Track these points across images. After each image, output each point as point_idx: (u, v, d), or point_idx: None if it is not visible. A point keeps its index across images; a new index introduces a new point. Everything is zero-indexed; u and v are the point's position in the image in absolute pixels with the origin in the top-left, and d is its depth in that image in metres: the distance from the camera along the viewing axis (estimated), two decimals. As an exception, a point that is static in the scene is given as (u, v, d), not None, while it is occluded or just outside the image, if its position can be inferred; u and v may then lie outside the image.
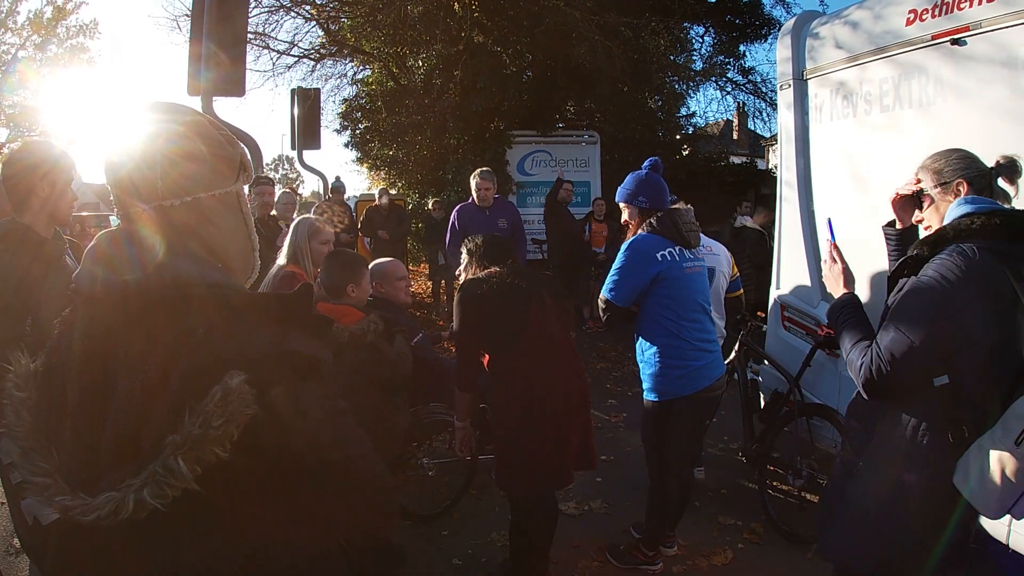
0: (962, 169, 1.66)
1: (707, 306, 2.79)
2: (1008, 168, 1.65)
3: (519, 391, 2.42)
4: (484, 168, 5.24)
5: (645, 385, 2.77)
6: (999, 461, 1.46)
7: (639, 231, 2.74)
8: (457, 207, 5.19)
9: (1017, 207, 1.66)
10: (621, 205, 2.85)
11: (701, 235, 3.83)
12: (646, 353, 2.74)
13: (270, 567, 0.89)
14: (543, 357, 2.44)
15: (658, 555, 2.95)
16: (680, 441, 2.76)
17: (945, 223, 1.63)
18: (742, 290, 3.98)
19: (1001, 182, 1.67)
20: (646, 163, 2.87)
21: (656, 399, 2.71)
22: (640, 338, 2.78)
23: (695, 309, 2.72)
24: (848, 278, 1.86)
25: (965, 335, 1.53)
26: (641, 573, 2.92)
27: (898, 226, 1.91)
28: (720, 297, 3.61)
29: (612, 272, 2.71)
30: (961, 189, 1.65)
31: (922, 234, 1.74)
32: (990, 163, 1.71)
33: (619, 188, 2.86)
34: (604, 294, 2.71)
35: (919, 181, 1.75)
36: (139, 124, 0.92)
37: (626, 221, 2.85)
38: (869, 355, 1.61)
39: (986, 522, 2.48)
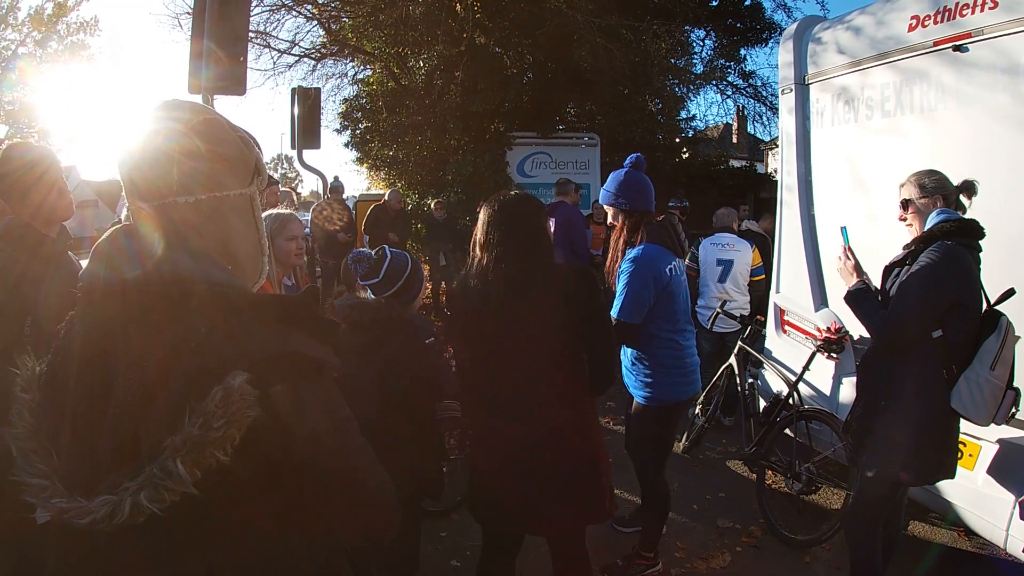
0: (940, 188, 2.23)
1: (689, 313, 2.78)
2: (967, 188, 2.27)
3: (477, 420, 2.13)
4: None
5: (643, 392, 2.68)
6: (980, 384, 2.09)
7: (643, 241, 2.61)
8: None
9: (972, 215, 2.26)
10: (605, 207, 2.77)
11: (727, 234, 4.77)
12: (645, 362, 2.66)
13: (271, 573, 0.88)
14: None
15: (657, 555, 2.89)
16: (672, 440, 2.91)
17: (928, 227, 2.20)
18: (763, 276, 4.63)
19: (962, 197, 2.27)
20: (627, 160, 2.72)
21: (657, 405, 2.67)
22: (635, 349, 2.68)
23: (687, 318, 2.73)
24: (859, 271, 2.38)
25: (951, 300, 2.11)
26: None
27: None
28: (740, 281, 4.64)
29: (622, 289, 2.56)
30: (938, 202, 2.22)
31: (906, 231, 2.32)
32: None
33: (602, 188, 2.79)
34: (616, 315, 2.55)
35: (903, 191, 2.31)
36: (154, 122, 0.89)
37: (611, 223, 2.75)
38: (886, 318, 2.18)
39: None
